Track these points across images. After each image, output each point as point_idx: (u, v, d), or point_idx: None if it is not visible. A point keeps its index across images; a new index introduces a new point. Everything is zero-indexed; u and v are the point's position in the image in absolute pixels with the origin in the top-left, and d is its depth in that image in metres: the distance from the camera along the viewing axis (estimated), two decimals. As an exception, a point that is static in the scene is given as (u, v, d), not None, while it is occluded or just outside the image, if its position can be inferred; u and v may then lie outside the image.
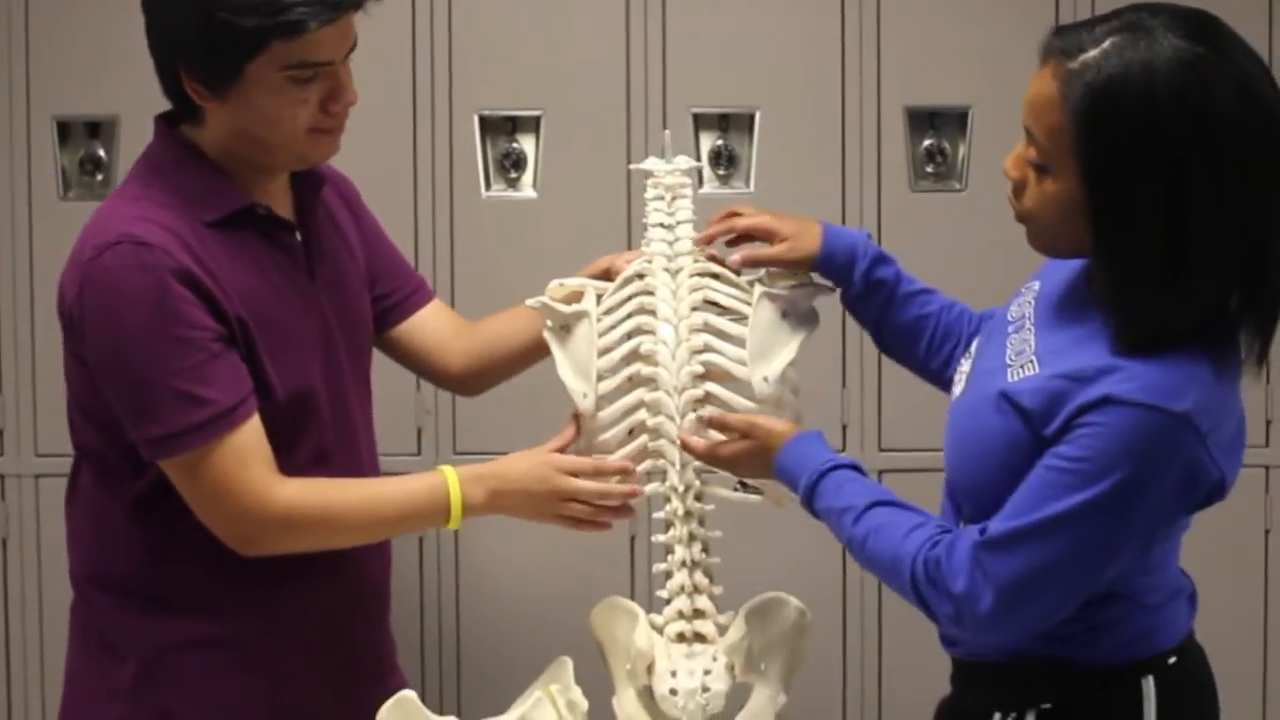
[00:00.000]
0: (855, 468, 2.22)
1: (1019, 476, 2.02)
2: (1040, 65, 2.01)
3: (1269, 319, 2.01)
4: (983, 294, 3.50)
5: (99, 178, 3.50)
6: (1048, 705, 2.12)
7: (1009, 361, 2.11)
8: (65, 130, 3.55)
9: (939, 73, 3.56)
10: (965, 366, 2.26)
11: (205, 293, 2.24)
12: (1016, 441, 2.03)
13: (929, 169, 3.58)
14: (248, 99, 2.26)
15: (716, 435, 2.33)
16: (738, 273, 2.41)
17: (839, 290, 2.43)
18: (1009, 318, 2.22)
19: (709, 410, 2.33)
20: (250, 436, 2.26)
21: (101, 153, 3.54)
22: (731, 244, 2.45)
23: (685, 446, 2.32)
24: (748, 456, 2.30)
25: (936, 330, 2.46)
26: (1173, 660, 2.14)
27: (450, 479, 2.35)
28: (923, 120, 3.58)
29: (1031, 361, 2.06)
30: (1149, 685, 2.11)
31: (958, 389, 2.25)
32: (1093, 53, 1.94)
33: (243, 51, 2.22)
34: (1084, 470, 1.94)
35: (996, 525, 2.01)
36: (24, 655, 3.54)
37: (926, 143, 3.57)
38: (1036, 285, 2.23)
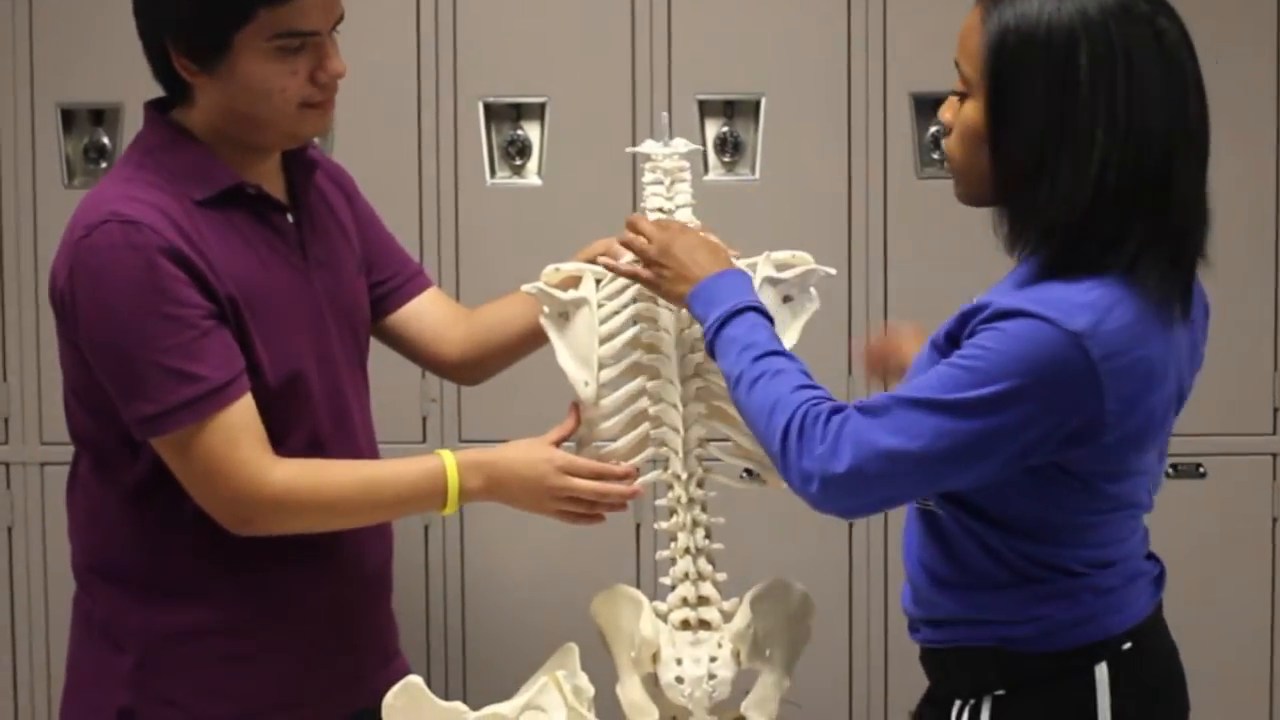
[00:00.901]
0: (770, 320, 2.23)
1: None
2: (974, 7, 2.11)
3: (1178, 260, 2.06)
4: (988, 280, 3.51)
5: (103, 165, 3.50)
6: (1001, 692, 2.12)
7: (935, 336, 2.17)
8: (69, 118, 3.55)
9: (945, 59, 3.50)
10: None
11: (195, 270, 2.23)
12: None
13: (935, 155, 3.57)
14: (236, 72, 2.26)
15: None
16: (737, 256, 2.41)
17: (836, 271, 2.43)
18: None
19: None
20: (242, 415, 2.25)
21: (106, 140, 3.54)
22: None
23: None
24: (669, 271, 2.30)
25: None
26: (1127, 646, 2.13)
27: (449, 464, 2.34)
28: (929, 106, 3.56)
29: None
30: (1101, 671, 2.10)
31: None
32: None
33: (230, 20, 2.22)
34: (973, 368, 1.99)
35: (879, 396, 2.05)
36: (29, 643, 3.54)
37: (933, 129, 3.56)
38: None
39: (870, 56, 3.54)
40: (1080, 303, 2.00)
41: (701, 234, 2.33)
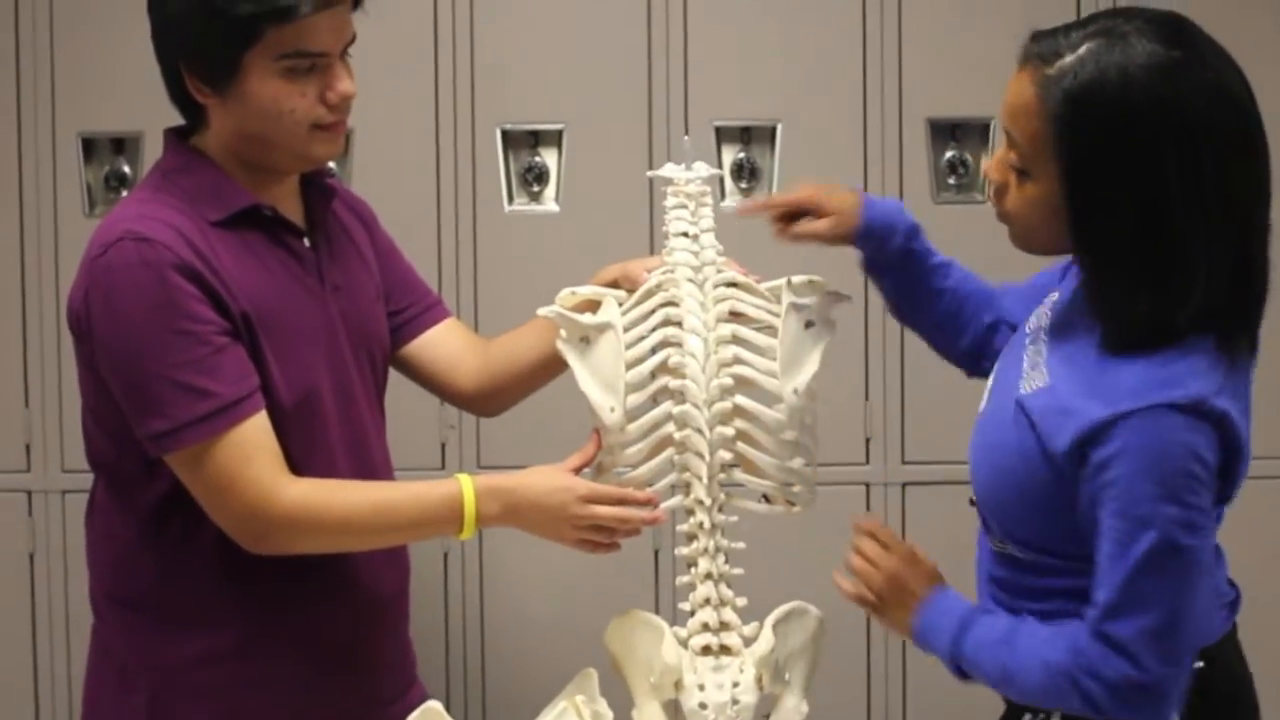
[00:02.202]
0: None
1: (1031, 491, 2.06)
2: (1018, 69, 2.06)
3: (1254, 319, 2.05)
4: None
5: (124, 194, 3.51)
6: None
7: (1024, 373, 2.14)
8: (90, 146, 3.57)
9: (961, 84, 3.56)
10: (990, 382, 2.27)
11: (209, 287, 2.25)
12: (1028, 453, 2.06)
13: (951, 180, 3.58)
14: (246, 93, 2.28)
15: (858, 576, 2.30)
16: (759, 280, 2.41)
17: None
18: (1026, 330, 2.24)
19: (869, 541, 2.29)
20: (256, 432, 2.26)
21: (126, 169, 3.56)
22: (779, 220, 2.43)
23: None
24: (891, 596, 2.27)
25: (956, 302, 2.47)
26: (1200, 665, 2.12)
27: (466, 489, 2.34)
28: (945, 132, 3.58)
29: (1042, 372, 2.10)
30: None
31: (983, 403, 2.26)
32: (1069, 58, 1.99)
33: (240, 40, 2.24)
34: (1131, 510, 1.97)
35: (1100, 601, 2.01)
36: (51, 670, 3.55)
37: (949, 154, 3.58)
38: (1054, 295, 2.25)
39: (886, 82, 3.55)
40: (1182, 374, 1.97)
41: (905, 554, 2.28)
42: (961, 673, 2.18)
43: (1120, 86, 1.94)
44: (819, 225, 2.40)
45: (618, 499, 2.34)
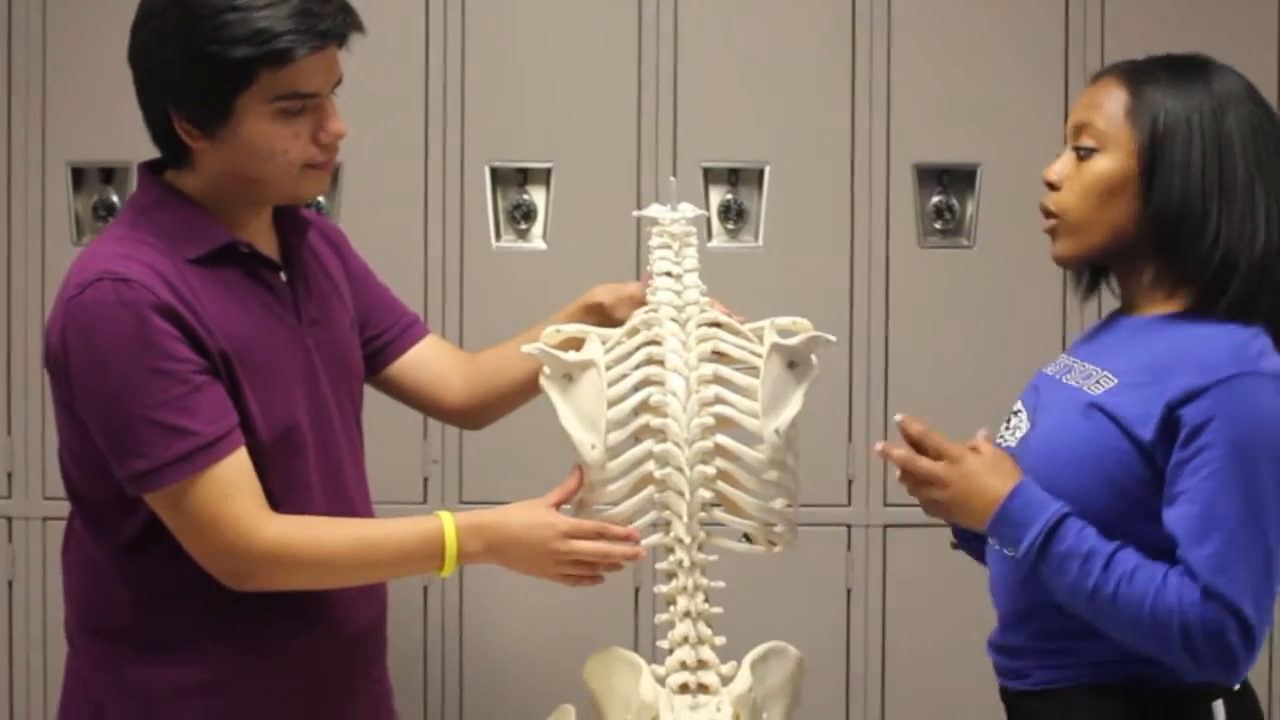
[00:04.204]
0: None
1: (1111, 478, 2.18)
2: (1091, 83, 2.34)
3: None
4: (990, 350, 3.53)
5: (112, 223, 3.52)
6: None
7: (1079, 384, 2.27)
8: (79, 176, 3.58)
9: (948, 130, 3.58)
10: (1019, 423, 2.36)
11: (187, 327, 2.24)
12: (1108, 443, 2.19)
13: (937, 225, 3.60)
14: (239, 136, 2.28)
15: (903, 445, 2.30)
16: (743, 321, 2.42)
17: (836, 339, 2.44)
18: (1047, 373, 2.38)
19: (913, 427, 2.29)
20: (235, 470, 2.26)
21: (115, 198, 3.57)
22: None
23: (885, 453, 2.30)
24: (950, 489, 2.26)
25: None
26: (1238, 687, 2.22)
27: (447, 527, 2.34)
28: (931, 177, 3.60)
29: (1107, 376, 2.24)
30: (1219, 709, 2.20)
31: (1012, 438, 2.34)
32: (1150, 63, 2.31)
33: (233, 84, 2.24)
34: (1231, 471, 2.11)
35: (1203, 559, 2.11)
36: (27, 697, 3.54)
37: (935, 199, 3.59)
38: (1044, 374, 2.39)
39: (874, 126, 3.57)
40: (1261, 350, 2.17)
41: (969, 456, 2.27)
42: (1033, 569, 2.19)
43: (1203, 80, 2.27)
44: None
45: (597, 533, 2.34)
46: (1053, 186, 2.31)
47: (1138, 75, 2.28)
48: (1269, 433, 2.12)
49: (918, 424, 2.27)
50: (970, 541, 2.49)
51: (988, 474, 2.22)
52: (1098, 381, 2.24)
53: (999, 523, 2.20)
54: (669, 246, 2.44)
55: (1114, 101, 2.27)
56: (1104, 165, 2.26)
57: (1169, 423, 2.14)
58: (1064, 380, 2.31)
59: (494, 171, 3.58)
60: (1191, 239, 2.21)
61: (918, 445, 2.27)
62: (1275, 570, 2.14)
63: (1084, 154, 2.28)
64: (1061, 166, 2.31)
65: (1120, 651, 2.19)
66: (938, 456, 2.25)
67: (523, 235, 3.61)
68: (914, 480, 2.27)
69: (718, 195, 3.60)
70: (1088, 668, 2.23)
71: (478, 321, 3.53)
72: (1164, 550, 2.13)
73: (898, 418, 2.29)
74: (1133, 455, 2.17)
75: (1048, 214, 2.32)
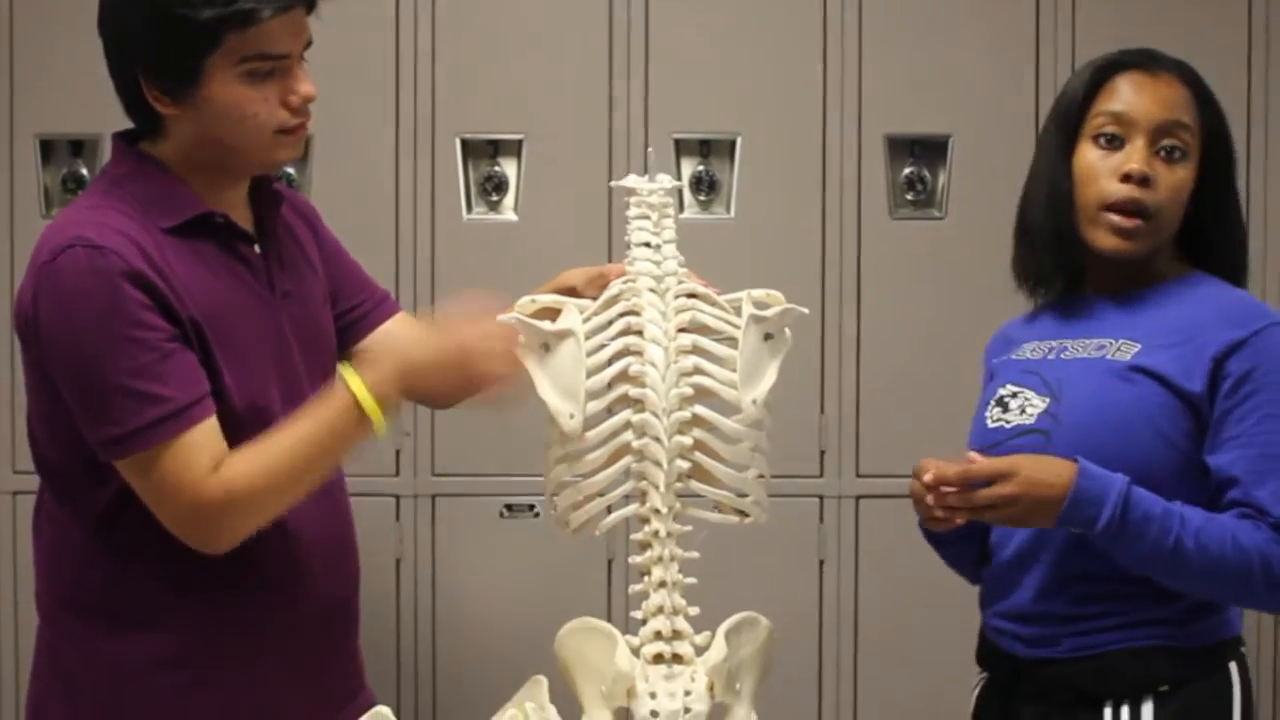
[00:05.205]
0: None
1: (1163, 434, 2.27)
2: (1145, 74, 2.39)
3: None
4: (960, 321, 3.54)
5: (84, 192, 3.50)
6: (1165, 688, 2.29)
7: (1097, 355, 2.36)
8: (48, 149, 3.57)
9: (919, 101, 3.59)
10: (1025, 402, 2.40)
11: (159, 295, 2.24)
12: (1157, 400, 2.28)
13: (909, 197, 3.61)
14: (209, 101, 2.27)
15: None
16: (719, 292, 2.42)
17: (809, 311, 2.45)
18: (1031, 356, 2.45)
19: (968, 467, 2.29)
20: (204, 436, 2.25)
21: (84, 171, 3.55)
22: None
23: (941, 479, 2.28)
24: (1020, 500, 2.25)
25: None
26: (1243, 649, 2.37)
27: (352, 382, 2.31)
28: (903, 148, 3.60)
29: (1127, 343, 2.34)
30: (1234, 669, 2.33)
31: (1023, 417, 2.39)
32: (1178, 65, 2.41)
33: (200, 47, 2.24)
34: (1275, 410, 2.24)
35: (1262, 495, 2.22)
36: (-1, 668, 3.55)
37: (907, 170, 3.60)
38: (1029, 384, 2.43)
39: (845, 97, 3.57)
40: (1267, 306, 2.37)
41: (1017, 461, 2.28)
42: (1114, 542, 2.23)
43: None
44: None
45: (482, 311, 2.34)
46: (1145, 181, 2.33)
47: (1192, 78, 2.38)
48: None
49: (950, 467, 2.27)
50: (938, 539, 2.52)
51: (1042, 472, 2.24)
52: (1118, 349, 2.33)
53: (1075, 507, 2.22)
54: (647, 217, 2.43)
55: (1192, 107, 2.37)
56: (1190, 171, 2.36)
57: (1215, 375, 2.25)
58: (1063, 358, 2.38)
59: (465, 143, 3.57)
60: (1226, 230, 2.39)
61: (962, 483, 2.26)
62: None
63: (1176, 155, 2.35)
64: (1146, 164, 2.34)
65: (1157, 614, 2.28)
66: (990, 481, 2.24)
67: (494, 207, 3.60)
68: (979, 510, 2.26)
69: (689, 167, 3.60)
70: (1127, 631, 2.30)
71: (449, 293, 3.51)
72: (1208, 506, 2.24)
73: (927, 477, 2.27)
74: (1180, 410, 2.27)
75: (1138, 213, 2.34)
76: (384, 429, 2.33)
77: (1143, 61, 2.39)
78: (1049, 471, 2.23)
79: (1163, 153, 2.35)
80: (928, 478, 2.27)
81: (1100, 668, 2.32)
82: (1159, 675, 2.30)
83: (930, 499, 2.27)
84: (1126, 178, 2.33)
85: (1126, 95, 2.37)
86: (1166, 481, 2.25)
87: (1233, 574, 2.21)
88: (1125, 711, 2.30)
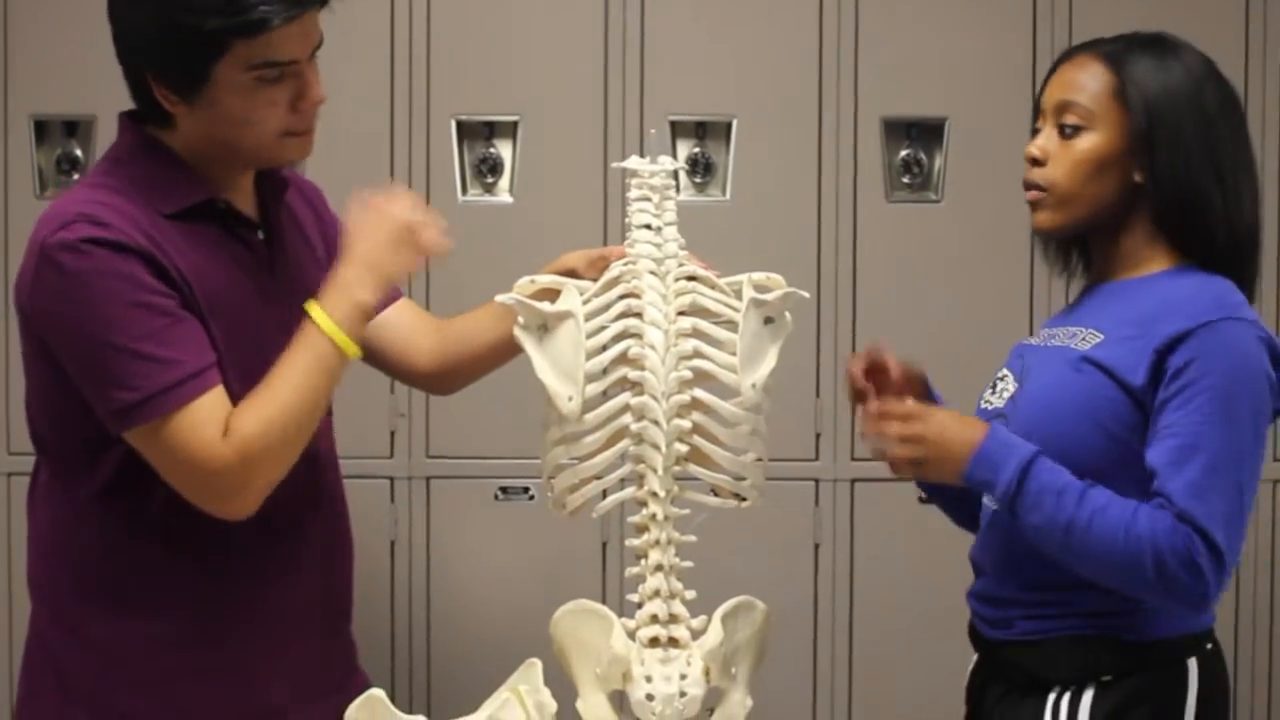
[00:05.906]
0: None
1: (1105, 427, 2.27)
2: (1066, 62, 2.40)
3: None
4: (957, 303, 3.54)
5: (75, 176, 3.50)
6: (1107, 678, 2.29)
7: (1065, 343, 2.36)
8: (42, 129, 3.56)
9: (916, 84, 3.58)
10: (1005, 387, 2.43)
11: (162, 270, 2.24)
12: (1102, 393, 2.27)
13: (905, 179, 3.60)
14: (217, 103, 2.26)
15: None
16: (718, 275, 2.41)
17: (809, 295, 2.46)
18: (1029, 343, 2.47)
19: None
20: (216, 402, 2.24)
21: (78, 152, 3.54)
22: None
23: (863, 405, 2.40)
24: (925, 442, 2.32)
25: None
26: (1209, 646, 2.35)
27: (313, 311, 2.30)
28: (899, 131, 3.60)
29: (1092, 333, 2.33)
30: (1192, 666, 2.31)
31: (998, 400, 2.42)
32: (1123, 43, 2.38)
33: (207, 53, 2.22)
34: (1212, 405, 2.21)
35: (1180, 487, 2.19)
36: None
37: (903, 153, 3.59)
38: (1027, 344, 2.48)
39: (841, 80, 3.57)
40: (1239, 303, 2.29)
41: (937, 411, 2.38)
42: (1011, 511, 2.26)
43: (1184, 72, 2.36)
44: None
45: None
46: (1037, 162, 2.38)
47: (1118, 55, 2.36)
48: (1249, 373, 2.23)
49: (875, 403, 2.38)
50: (939, 493, 2.53)
51: (954, 428, 2.31)
52: (1084, 339, 2.32)
53: (977, 466, 2.26)
54: (648, 199, 2.42)
55: (1097, 80, 2.35)
56: (1093, 142, 2.34)
57: (1157, 368, 2.24)
58: (1048, 344, 2.39)
59: (460, 124, 3.57)
60: (1196, 214, 2.32)
61: (881, 414, 2.35)
62: (1247, 506, 2.23)
63: (1070, 131, 2.35)
64: (1045, 142, 2.38)
65: (1103, 604, 2.27)
66: (905, 419, 2.32)
67: (489, 189, 3.60)
68: (887, 441, 2.33)
69: (685, 149, 3.60)
70: (1072, 619, 2.31)
71: (445, 276, 3.52)
72: (1150, 497, 2.22)
73: (869, 405, 2.38)
74: (1124, 403, 2.26)
75: (1034, 188, 2.38)
76: (354, 351, 2.33)
77: (1074, 51, 2.43)
78: (962, 428, 2.30)
79: (1063, 131, 2.36)
80: (869, 405, 2.38)
81: (1044, 653, 2.34)
82: (1100, 664, 2.30)
83: (860, 414, 2.39)
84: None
85: (1046, 87, 2.42)
86: (1109, 474, 2.25)
87: (1121, 560, 2.20)
88: (1066, 698, 2.30)
